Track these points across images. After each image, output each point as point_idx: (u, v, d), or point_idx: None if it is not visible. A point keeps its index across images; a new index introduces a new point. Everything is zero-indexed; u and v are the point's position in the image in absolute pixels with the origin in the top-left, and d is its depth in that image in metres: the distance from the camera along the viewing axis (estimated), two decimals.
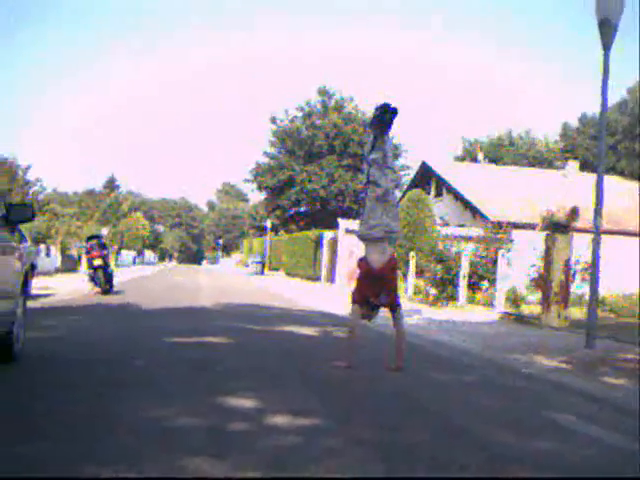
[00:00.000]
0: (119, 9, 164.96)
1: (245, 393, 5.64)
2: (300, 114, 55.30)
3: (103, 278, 17.08)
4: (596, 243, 10.44)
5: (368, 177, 7.06)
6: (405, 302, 9.48)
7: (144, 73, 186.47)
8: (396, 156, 53.85)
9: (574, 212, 14.41)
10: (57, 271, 30.57)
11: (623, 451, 4.66)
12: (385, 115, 6.90)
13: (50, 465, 3.58)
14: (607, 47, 10.33)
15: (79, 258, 34.94)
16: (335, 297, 21.51)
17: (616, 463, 4.34)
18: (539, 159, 55.30)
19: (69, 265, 33.71)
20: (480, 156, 47.21)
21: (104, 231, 47.14)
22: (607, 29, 10.31)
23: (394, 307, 7.11)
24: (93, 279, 17.16)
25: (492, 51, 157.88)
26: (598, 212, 10.47)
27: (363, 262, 7.12)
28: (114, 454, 3.85)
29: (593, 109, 53.79)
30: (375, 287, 7.02)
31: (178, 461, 3.76)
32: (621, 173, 44.96)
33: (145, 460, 3.75)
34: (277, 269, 51.01)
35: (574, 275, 16.09)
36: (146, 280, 29.70)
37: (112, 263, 21.51)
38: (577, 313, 14.80)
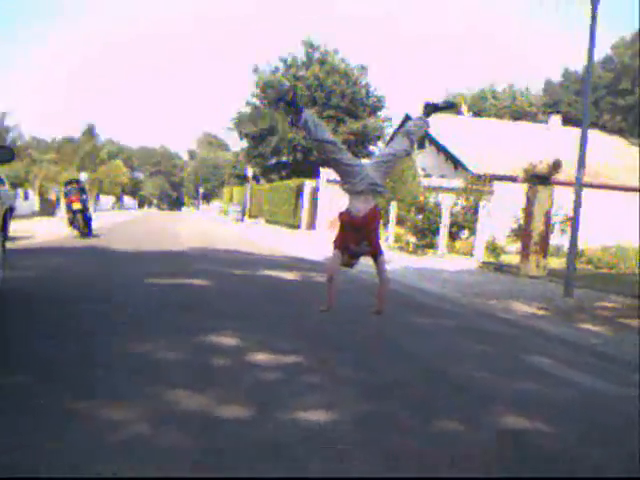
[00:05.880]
0: None
1: (227, 332, 5.66)
2: (282, 65, 54.70)
3: (82, 222, 16.98)
4: (578, 195, 10.53)
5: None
6: (385, 250, 9.48)
7: (124, 19, 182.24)
8: (379, 108, 53.74)
9: (556, 165, 14.43)
10: (35, 215, 30.26)
11: (598, 393, 4.75)
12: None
13: (34, 399, 3.56)
14: None
15: (57, 202, 34.57)
16: (316, 244, 21.52)
17: (591, 403, 4.43)
18: (522, 113, 55.15)
19: (47, 209, 33.35)
20: (464, 109, 46.90)
21: (82, 176, 46.54)
22: None
23: (376, 254, 7.11)
24: (72, 223, 17.05)
25: (475, 4, 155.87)
26: (581, 165, 10.52)
27: (345, 213, 7.06)
28: (99, 387, 3.87)
29: (575, 66, 53.61)
30: (357, 235, 6.96)
31: (160, 394, 3.78)
32: (603, 128, 45.01)
33: (128, 393, 3.77)
34: (257, 217, 50.87)
35: (553, 227, 16.22)
36: (125, 225, 29.44)
37: (91, 208, 21.24)
38: (555, 263, 14.95)
